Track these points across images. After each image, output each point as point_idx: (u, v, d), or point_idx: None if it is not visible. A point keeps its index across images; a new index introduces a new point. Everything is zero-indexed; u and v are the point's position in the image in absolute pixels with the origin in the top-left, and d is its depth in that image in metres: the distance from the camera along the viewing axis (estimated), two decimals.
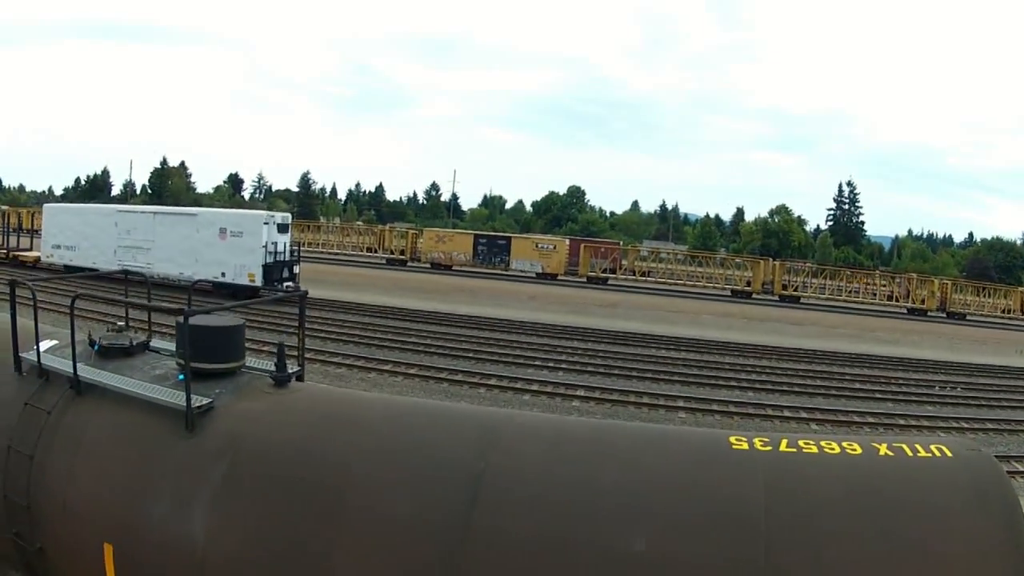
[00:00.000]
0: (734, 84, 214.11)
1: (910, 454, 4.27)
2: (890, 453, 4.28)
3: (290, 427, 5.55)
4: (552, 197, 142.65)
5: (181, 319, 5.73)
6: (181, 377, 5.80)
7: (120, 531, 5.59)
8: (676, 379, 23.67)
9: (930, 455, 4.26)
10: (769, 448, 4.39)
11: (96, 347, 6.78)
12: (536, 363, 24.80)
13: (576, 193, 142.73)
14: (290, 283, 37.99)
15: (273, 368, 6.26)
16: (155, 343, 7.21)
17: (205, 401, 5.68)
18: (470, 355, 25.46)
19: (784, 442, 4.43)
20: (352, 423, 5.47)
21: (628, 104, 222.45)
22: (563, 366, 24.71)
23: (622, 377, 23.48)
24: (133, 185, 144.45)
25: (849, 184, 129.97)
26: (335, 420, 5.56)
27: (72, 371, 6.28)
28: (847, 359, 30.82)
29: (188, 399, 5.53)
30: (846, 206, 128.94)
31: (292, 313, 32.61)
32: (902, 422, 19.80)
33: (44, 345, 6.81)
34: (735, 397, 21.59)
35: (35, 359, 6.62)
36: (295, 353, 6.91)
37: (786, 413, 19.89)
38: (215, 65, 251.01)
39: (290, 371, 6.35)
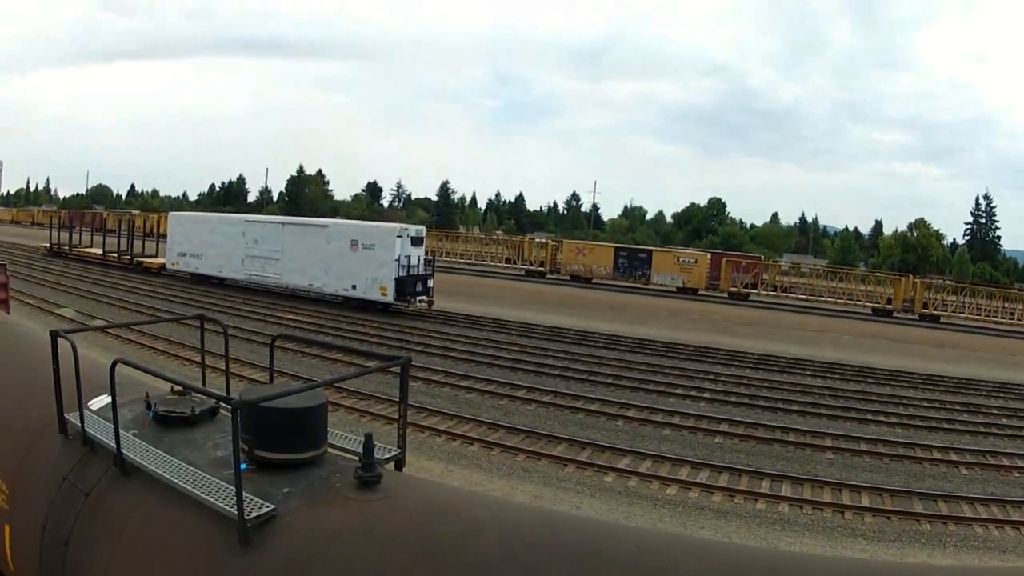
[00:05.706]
0: (877, 91, 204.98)
1: None
2: None
3: (370, 555, 4.13)
4: (692, 209, 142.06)
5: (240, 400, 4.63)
6: (244, 466, 4.69)
7: None
8: (823, 412, 22.88)
9: None
10: None
11: (151, 414, 5.60)
12: (678, 391, 24.24)
13: (716, 205, 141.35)
14: (423, 297, 38.00)
15: (361, 451, 4.77)
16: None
17: (265, 510, 4.45)
18: (609, 380, 24.98)
19: None
20: (452, 555, 3.94)
21: (770, 114, 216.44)
22: (706, 395, 24.12)
23: (767, 409, 22.53)
24: (269, 192, 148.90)
25: (986, 197, 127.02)
26: (429, 547, 4.05)
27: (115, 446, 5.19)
28: (992, 388, 29.21)
29: (240, 509, 4.35)
30: (983, 220, 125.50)
31: (422, 330, 32.67)
32: None
33: (97, 403, 5.71)
34: (883, 435, 20.86)
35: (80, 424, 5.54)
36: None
37: (935, 454, 19.11)
38: (356, 77, 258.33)
39: (387, 455, 5.02)
